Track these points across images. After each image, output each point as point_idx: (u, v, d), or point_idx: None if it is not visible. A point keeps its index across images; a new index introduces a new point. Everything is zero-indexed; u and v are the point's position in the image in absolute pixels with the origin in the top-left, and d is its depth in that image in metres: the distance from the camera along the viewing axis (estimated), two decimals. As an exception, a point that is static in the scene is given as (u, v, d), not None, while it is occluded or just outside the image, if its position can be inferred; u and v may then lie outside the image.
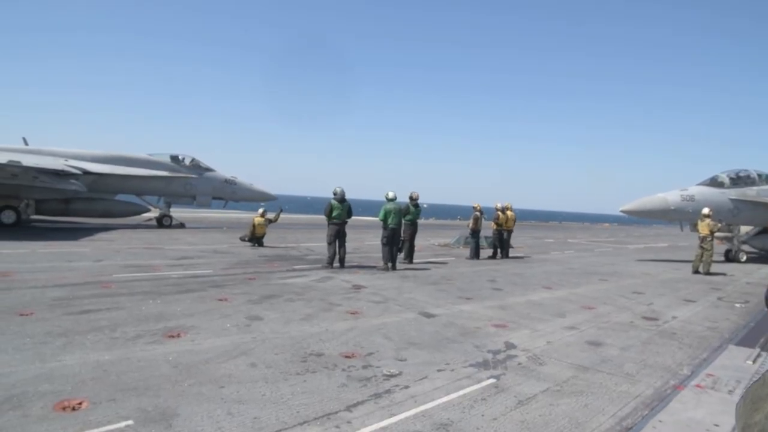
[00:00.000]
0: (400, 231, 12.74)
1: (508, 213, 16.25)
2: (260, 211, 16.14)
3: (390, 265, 11.99)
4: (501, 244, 16.17)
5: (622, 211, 17.09)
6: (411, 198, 13.80)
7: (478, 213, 15.71)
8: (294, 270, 11.13)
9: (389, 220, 12.24)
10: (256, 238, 15.42)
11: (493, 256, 15.90)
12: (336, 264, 11.68)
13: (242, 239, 15.69)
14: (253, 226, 15.40)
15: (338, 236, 11.73)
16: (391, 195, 12.60)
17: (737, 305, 9.62)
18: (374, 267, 12.14)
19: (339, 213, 11.77)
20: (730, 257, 18.66)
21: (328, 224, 11.82)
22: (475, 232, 15.54)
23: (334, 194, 11.95)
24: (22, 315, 6.11)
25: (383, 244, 12.09)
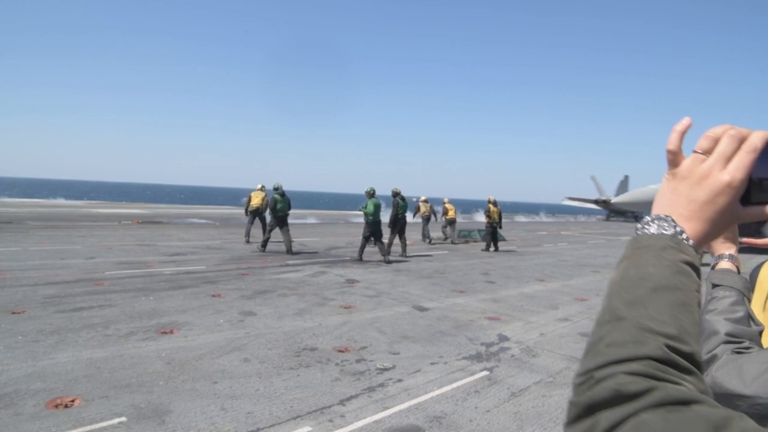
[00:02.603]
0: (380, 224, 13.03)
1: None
2: (259, 186, 16.17)
3: (385, 257, 12.20)
4: (494, 237, 16.28)
5: (614, 203, 17.16)
6: (395, 193, 13.70)
7: (444, 206, 18.56)
8: (287, 265, 11.12)
9: (375, 214, 12.44)
10: (254, 211, 15.29)
11: (486, 249, 16.00)
12: (262, 249, 13.14)
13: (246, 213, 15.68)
14: (249, 198, 15.38)
15: (280, 225, 13.14)
16: (370, 189, 12.93)
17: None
18: (367, 261, 12.17)
19: (282, 206, 13.17)
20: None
21: (273, 216, 13.26)
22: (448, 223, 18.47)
23: (275, 189, 13.40)
24: (13, 313, 6.07)
25: (364, 237, 12.46)
